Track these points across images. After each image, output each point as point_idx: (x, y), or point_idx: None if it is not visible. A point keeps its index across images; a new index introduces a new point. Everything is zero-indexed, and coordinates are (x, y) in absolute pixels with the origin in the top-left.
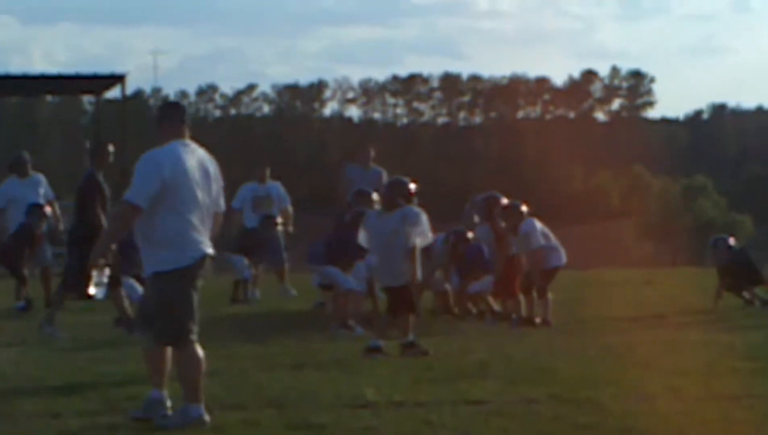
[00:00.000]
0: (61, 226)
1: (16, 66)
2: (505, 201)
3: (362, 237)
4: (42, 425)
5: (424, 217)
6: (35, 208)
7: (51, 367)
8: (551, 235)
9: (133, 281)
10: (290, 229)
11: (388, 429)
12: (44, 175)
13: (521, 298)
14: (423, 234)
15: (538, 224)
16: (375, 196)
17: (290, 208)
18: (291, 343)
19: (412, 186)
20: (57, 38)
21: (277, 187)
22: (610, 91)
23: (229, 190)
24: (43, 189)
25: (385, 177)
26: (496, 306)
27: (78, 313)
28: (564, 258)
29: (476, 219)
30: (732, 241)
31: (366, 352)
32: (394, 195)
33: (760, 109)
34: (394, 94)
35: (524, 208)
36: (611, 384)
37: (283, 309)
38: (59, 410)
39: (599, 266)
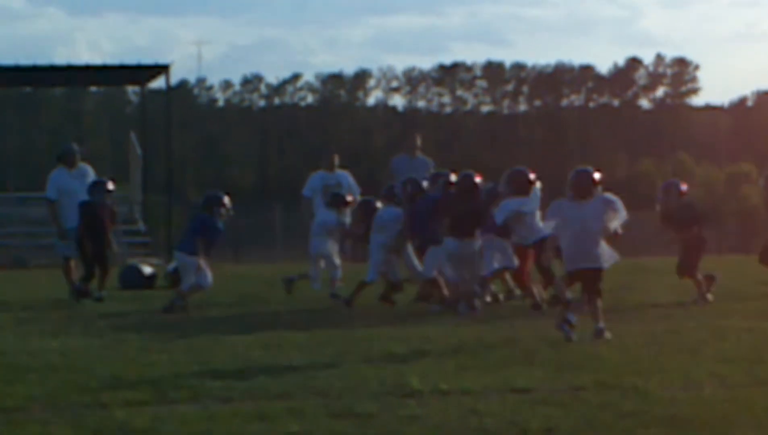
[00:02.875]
0: None
1: (62, 57)
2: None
3: (549, 224)
4: (89, 416)
5: (621, 203)
6: (98, 184)
7: (98, 357)
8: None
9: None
10: None
11: (434, 417)
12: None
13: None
14: (623, 218)
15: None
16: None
17: (358, 199)
18: (336, 332)
19: (597, 174)
20: (102, 29)
21: (346, 176)
22: (655, 78)
23: (282, 178)
24: (91, 180)
25: (432, 166)
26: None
27: (125, 302)
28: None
29: None
30: None
31: (561, 322)
32: (589, 184)
33: None
34: (438, 82)
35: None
36: (656, 371)
37: (327, 298)
38: (106, 401)
39: (643, 253)
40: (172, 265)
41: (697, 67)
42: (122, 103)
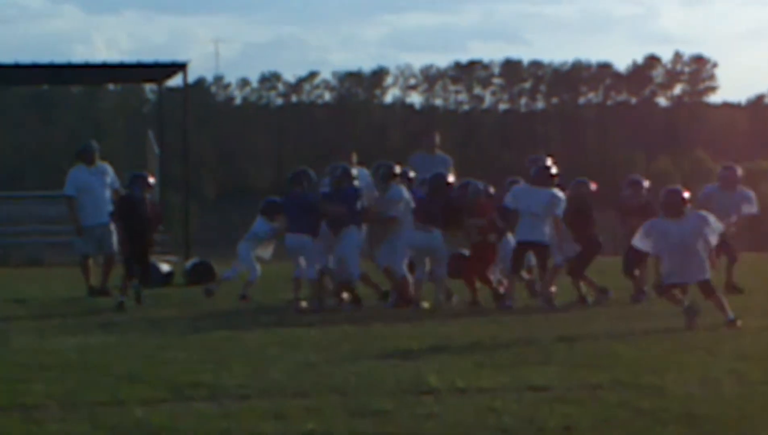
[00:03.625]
0: None
1: (79, 55)
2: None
3: (645, 243)
4: (106, 413)
5: (714, 217)
6: (138, 178)
7: (115, 355)
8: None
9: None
10: None
11: (451, 415)
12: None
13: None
14: (720, 229)
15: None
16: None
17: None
18: (352, 329)
19: (687, 193)
20: (120, 27)
21: (365, 173)
22: (672, 76)
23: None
24: (110, 178)
25: (451, 164)
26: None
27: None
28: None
29: None
30: None
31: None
32: (679, 202)
33: None
34: (455, 80)
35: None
36: (673, 369)
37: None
38: (123, 398)
39: None
40: (190, 263)
41: (715, 65)
42: (139, 102)
